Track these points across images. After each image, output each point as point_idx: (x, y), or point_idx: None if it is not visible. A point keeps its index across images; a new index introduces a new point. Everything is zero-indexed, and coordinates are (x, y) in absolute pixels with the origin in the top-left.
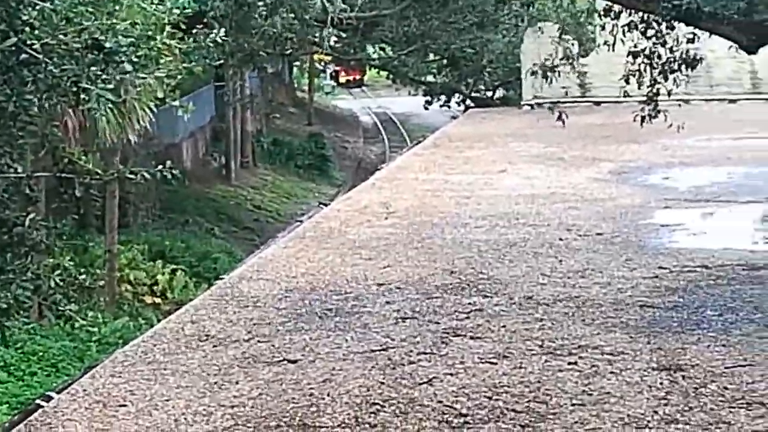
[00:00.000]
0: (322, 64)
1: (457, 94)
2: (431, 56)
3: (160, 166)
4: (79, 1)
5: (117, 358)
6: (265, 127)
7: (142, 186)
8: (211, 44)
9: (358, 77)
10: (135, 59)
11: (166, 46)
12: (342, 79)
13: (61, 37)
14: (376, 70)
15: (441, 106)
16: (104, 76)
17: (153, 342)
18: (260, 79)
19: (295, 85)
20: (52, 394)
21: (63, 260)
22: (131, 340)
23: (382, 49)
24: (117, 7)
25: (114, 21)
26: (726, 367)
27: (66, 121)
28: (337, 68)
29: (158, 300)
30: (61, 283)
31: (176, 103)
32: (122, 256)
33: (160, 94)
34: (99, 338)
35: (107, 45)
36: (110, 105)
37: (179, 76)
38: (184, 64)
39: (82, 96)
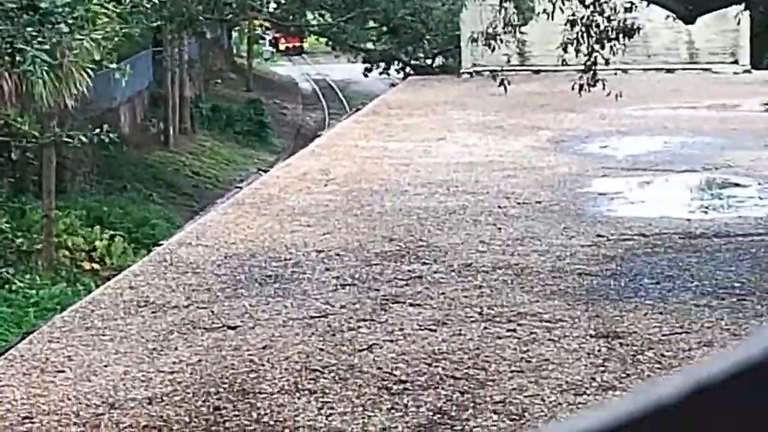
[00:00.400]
0: (262, 29)
1: (396, 62)
2: (371, 23)
3: (98, 130)
4: None
5: (55, 324)
6: (203, 93)
7: (80, 151)
8: (149, 6)
9: (298, 44)
10: (71, 20)
11: (103, 8)
12: (282, 47)
13: None
14: (316, 36)
15: (380, 73)
16: (40, 38)
17: (91, 308)
18: (199, 44)
19: (234, 51)
20: None
21: (0, 223)
22: (69, 306)
23: (322, 15)
24: None
25: None
26: (663, 335)
27: (1, 84)
28: (277, 35)
29: (96, 266)
30: None
31: (114, 66)
32: (60, 222)
33: (97, 57)
34: (37, 304)
35: (43, 5)
36: (46, 68)
37: (116, 39)
38: (122, 26)
39: (18, 57)
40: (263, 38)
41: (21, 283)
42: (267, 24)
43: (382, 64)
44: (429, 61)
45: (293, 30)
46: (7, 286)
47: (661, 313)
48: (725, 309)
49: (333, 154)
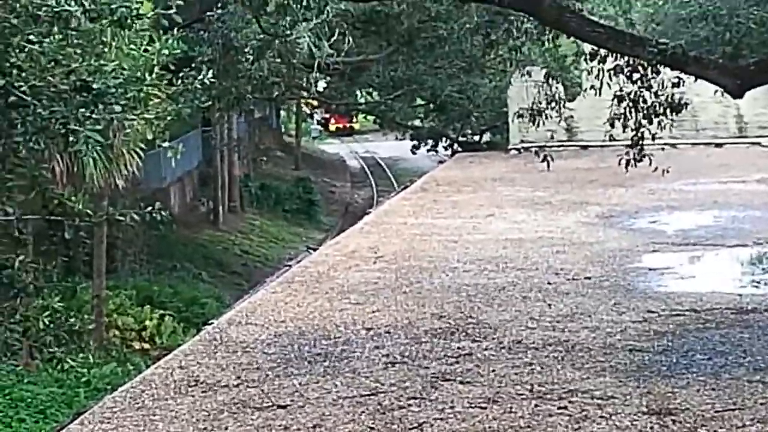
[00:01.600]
0: (310, 108)
1: (444, 138)
2: (418, 101)
3: (149, 208)
4: (67, 42)
5: (106, 404)
6: (252, 171)
7: (130, 231)
8: (199, 86)
9: (348, 125)
10: (124, 101)
11: (155, 88)
12: (332, 127)
13: (50, 78)
14: (364, 114)
15: (428, 150)
16: (93, 117)
17: (142, 387)
18: (247, 123)
19: (282, 130)
20: None
21: (52, 302)
22: (120, 386)
23: (369, 94)
24: (105, 49)
25: (102, 62)
26: (716, 411)
27: (53, 166)
28: (327, 115)
29: (146, 345)
30: (51, 326)
31: (166, 144)
32: (110, 302)
33: (149, 136)
34: (87, 383)
35: (96, 86)
36: (98, 148)
37: (168, 118)
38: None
39: (71, 138)
40: (311, 117)
41: (73, 363)
42: (315, 103)
43: (430, 141)
44: (476, 138)
45: (343, 110)
46: (59, 366)
47: (713, 390)
48: None
49: (382, 231)
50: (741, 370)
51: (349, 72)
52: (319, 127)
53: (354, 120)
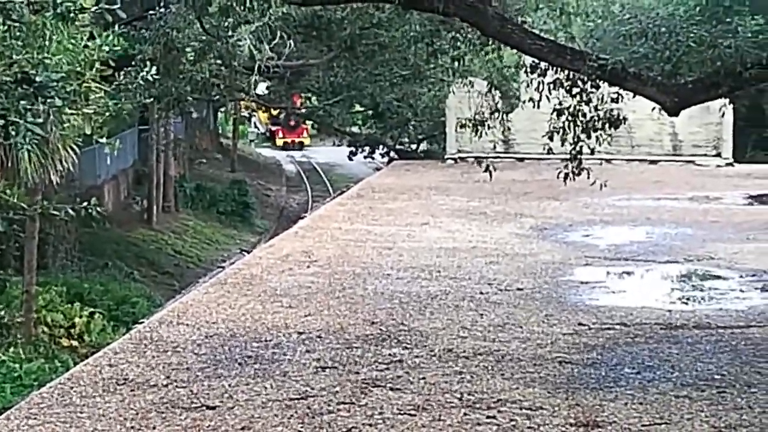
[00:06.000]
0: (248, 111)
1: (381, 146)
2: (357, 107)
3: (85, 204)
4: (9, 34)
5: (33, 400)
6: (188, 172)
7: (62, 227)
8: (142, 82)
9: (297, 140)
10: (64, 95)
11: (96, 83)
12: (279, 142)
13: None
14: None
15: (365, 157)
16: (33, 110)
17: (70, 385)
18: (185, 124)
19: (220, 132)
20: None
21: None
22: (47, 383)
23: (308, 98)
24: (47, 43)
25: (45, 55)
26: (643, 425)
27: None
28: (273, 128)
29: (75, 343)
30: None
31: (103, 140)
32: (40, 298)
33: (87, 131)
34: (14, 380)
35: (38, 79)
36: (36, 141)
37: (106, 114)
38: (113, 101)
39: (10, 130)
40: (249, 119)
41: (4, 356)
42: (254, 105)
43: (367, 148)
44: (414, 146)
45: (293, 125)
46: None
47: (641, 404)
48: (705, 401)
49: (316, 236)
50: (668, 384)
51: (289, 76)
52: (257, 131)
53: (304, 135)
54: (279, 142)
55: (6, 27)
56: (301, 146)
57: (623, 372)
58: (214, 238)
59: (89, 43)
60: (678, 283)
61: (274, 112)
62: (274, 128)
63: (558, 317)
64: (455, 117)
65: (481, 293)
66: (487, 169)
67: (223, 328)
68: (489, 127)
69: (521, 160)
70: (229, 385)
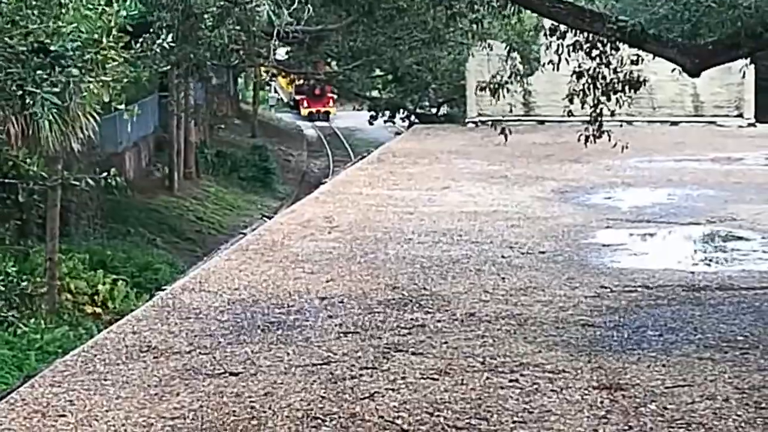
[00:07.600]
0: (269, 76)
1: (401, 110)
2: (377, 72)
3: (105, 174)
4: (25, 3)
5: (57, 368)
6: (208, 138)
7: (84, 194)
8: (158, 50)
9: (323, 109)
10: (81, 63)
11: (113, 51)
12: (304, 111)
13: (7, 40)
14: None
15: (385, 121)
16: (50, 79)
17: (94, 352)
18: (205, 90)
19: (240, 97)
20: None
21: (6, 266)
22: (71, 350)
23: (328, 63)
24: (63, 11)
25: (60, 24)
26: (666, 387)
27: (8, 126)
28: (297, 97)
29: (99, 310)
30: (3, 289)
31: (122, 106)
32: (63, 265)
33: (105, 98)
34: (38, 347)
35: (54, 48)
36: (54, 110)
37: (125, 81)
38: (131, 69)
39: (27, 100)
40: (269, 84)
41: (26, 327)
42: (274, 71)
43: (387, 113)
44: (434, 110)
45: (318, 94)
46: (11, 329)
47: (664, 366)
48: (728, 362)
49: (337, 201)
50: (691, 346)
51: (308, 41)
52: (277, 96)
53: (330, 104)
54: (304, 112)
55: None
56: (327, 116)
57: (646, 334)
58: (235, 204)
59: (105, 9)
60: (700, 244)
61: (299, 82)
62: (298, 97)
63: (580, 280)
64: (475, 80)
65: (503, 257)
66: (502, 132)
67: (245, 294)
68: (508, 90)
69: (542, 122)
70: (252, 351)
